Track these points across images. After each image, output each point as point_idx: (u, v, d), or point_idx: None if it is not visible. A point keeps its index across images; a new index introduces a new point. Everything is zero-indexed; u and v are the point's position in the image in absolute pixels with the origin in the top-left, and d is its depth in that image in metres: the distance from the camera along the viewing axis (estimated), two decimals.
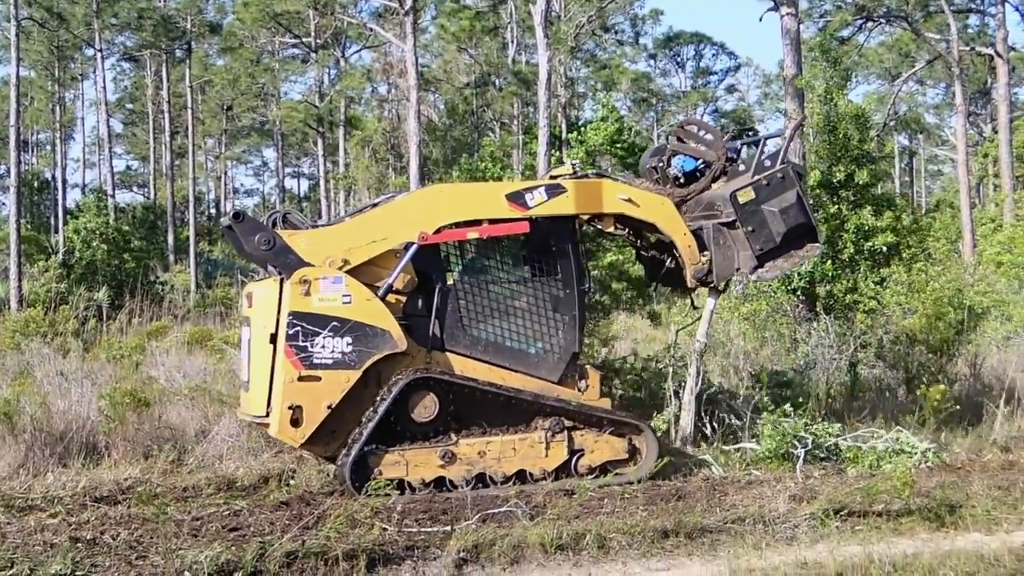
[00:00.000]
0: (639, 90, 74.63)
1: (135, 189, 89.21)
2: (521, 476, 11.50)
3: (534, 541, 9.12)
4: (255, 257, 11.40)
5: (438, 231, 11.58)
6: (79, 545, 8.93)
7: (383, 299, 11.27)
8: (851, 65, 44.74)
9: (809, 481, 11.87)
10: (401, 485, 11.00)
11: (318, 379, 10.94)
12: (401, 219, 11.60)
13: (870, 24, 43.92)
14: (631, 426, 12.05)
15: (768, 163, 12.65)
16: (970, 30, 50.41)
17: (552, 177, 12.94)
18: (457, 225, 11.73)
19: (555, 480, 11.49)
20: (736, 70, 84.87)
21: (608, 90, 61.98)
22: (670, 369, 14.18)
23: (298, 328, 10.92)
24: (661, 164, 13.51)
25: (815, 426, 13.19)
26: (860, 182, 22.47)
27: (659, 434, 13.08)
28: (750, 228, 12.29)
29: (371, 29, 52.88)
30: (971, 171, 46.59)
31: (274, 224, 11.55)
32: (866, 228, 22.17)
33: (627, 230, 13.51)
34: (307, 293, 10.97)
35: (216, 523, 9.85)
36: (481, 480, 11.37)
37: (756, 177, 12.44)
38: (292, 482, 11.90)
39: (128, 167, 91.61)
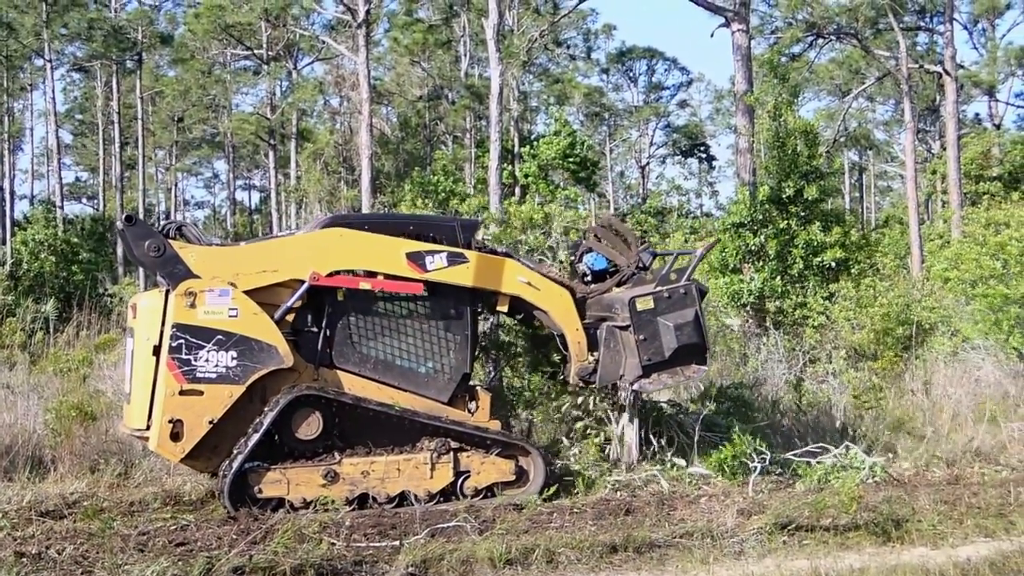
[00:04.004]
0: (591, 104, 74.86)
1: (84, 201, 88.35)
2: (404, 497, 11.40)
3: (483, 556, 9.12)
4: (144, 263, 11.29)
5: (331, 275, 11.47)
6: (24, 560, 8.87)
7: (279, 322, 11.22)
8: (801, 81, 45.15)
9: (757, 495, 11.93)
10: (281, 504, 10.96)
11: (200, 393, 10.82)
12: (296, 255, 11.48)
13: (820, 41, 44.27)
14: (519, 448, 12.04)
15: (674, 276, 12.60)
16: (919, 48, 50.83)
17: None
18: (352, 272, 11.61)
19: (439, 503, 11.42)
20: (688, 85, 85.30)
21: (560, 104, 62.28)
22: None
23: (181, 340, 10.80)
24: (573, 258, 13.63)
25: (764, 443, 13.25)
26: (809, 198, 22.70)
27: (603, 452, 13.12)
28: (642, 337, 12.12)
29: (323, 41, 52.80)
30: (920, 187, 47.00)
31: (167, 234, 11.36)
32: (815, 244, 22.39)
33: (521, 315, 13.40)
34: (192, 305, 10.86)
35: (163, 538, 9.78)
36: (363, 500, 11.27)
37: (658, 288, 12.33)
38: None
39: (77, 178, 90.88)
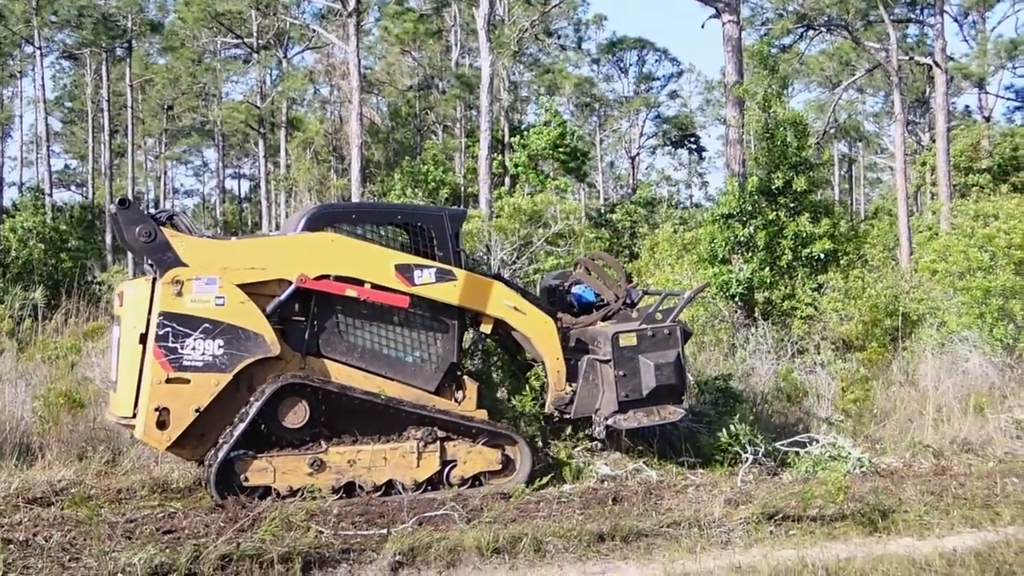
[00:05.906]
0: (582, 95, 74.70)
1: (73, 188, 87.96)
2: (391, 486, 11.42)
3: (470, 544, 9.13)
4: (133, 248, 11.22)
5: (319, 278, 11.44)
6: (11, 547, 8.85)
7: (270, 316, 11.21)
8: (792, 73, 45.18)
9: (744, 485, 11.96)
10: (267, 492, 10.96)
11: (187, 381, 10.78)
12: (285, 256, 11.45)
13: (811, 32, 44.29)
14: (505, 437, 12.05)
15: (659, 316, 12.64)
16: (909, 40, 50.90)
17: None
18: (339, 278, 11.55)
19: (425, 491, 11.44)
20: (679, 76, 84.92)
21: (551, 95, 62.15)
22: None
23: (168, 329, 10.75)
24: (561, 288, 13.64)
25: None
26: (798, 189, 22.69)
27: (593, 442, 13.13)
28: (622, 373, 12.14)
29: (314, 30, 52.73)
30: (909, 179, 47.01)
31: (159, 222, 11.31)
32: (804, 235, 22.39)
33: (500, 338, 13.40)
34: (179, 293, 10.82)
35: (150, 525, 9.78)
36: (350, 489, 11.28)
37: (643, 326, 12.38)
38: None
39: (66, 166, 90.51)
